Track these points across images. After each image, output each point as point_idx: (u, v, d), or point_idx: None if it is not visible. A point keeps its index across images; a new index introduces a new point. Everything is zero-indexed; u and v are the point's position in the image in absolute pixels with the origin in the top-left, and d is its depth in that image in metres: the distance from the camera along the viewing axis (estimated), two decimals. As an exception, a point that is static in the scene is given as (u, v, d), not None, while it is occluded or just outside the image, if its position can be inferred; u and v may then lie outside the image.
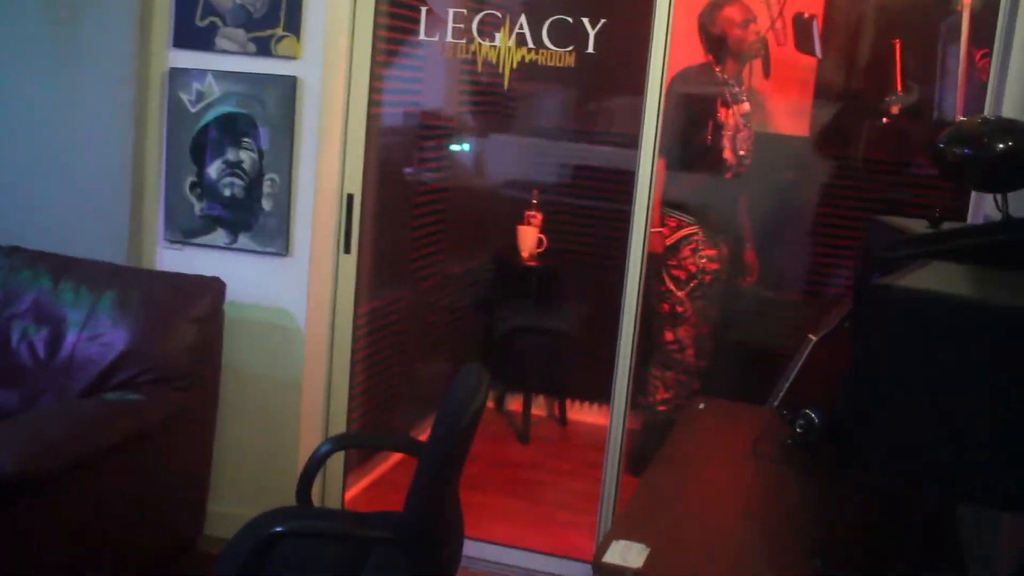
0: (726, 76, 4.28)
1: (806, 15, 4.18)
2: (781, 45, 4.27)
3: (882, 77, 4.36)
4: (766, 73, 4.29)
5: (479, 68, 3.44)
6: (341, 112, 3.49)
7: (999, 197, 2.43)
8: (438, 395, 5.08)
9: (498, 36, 3.39)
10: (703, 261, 4.37)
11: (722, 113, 4.28)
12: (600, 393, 5.21)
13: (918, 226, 2.64)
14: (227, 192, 3.47)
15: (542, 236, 4.96)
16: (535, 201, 4.97)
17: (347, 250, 3.61)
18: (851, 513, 2.34)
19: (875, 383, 1.67)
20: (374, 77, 3.55)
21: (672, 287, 4.40)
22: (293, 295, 3.48)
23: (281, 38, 3.36)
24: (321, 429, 3.64)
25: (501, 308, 5.03)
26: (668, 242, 4.37)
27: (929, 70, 4.07)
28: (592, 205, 5.04)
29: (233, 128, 3.43)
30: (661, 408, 4.55)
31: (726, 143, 4.30)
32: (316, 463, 2.81)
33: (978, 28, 3.51)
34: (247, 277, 3.46)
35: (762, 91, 4.55)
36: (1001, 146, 2.31)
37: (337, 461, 3.67)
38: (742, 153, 4.34)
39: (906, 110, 4.23)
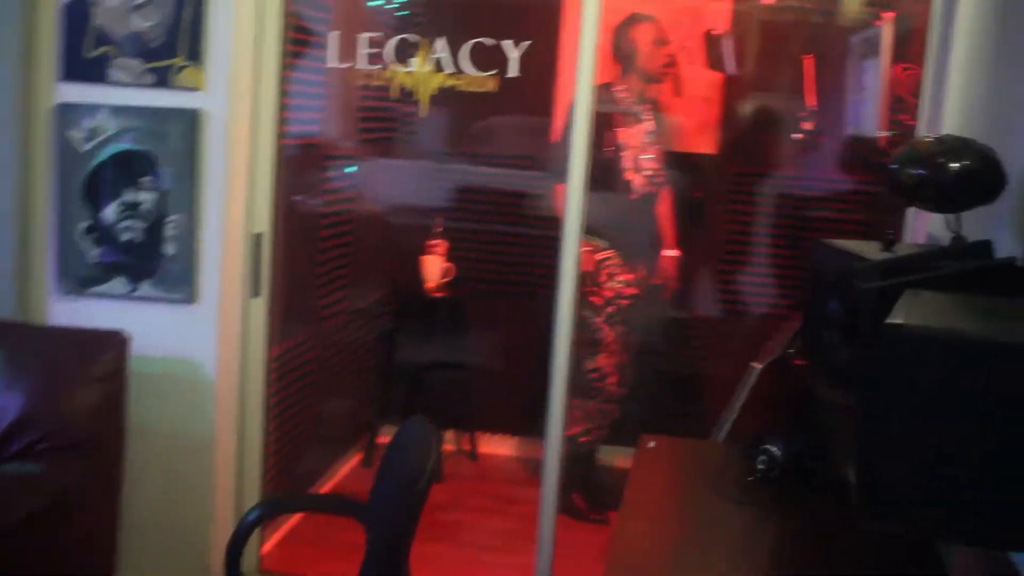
0: (626, 95, 4.18)
1: (717, 32, 4.11)
2: (692, 64, 4.19)
3: (794, 93, 4.33)
4: (677, 92, 4.21)
5: (394, 95, 3.25)
6: (247, 146, 3.26)
7: (951, 217, 2.38)
8: (347, 435, 4.92)
9: (414, 62, 3.21)
10: (620, 286, 4.25)
11: (623, 133, 4.17)
12: (510, 424, 5.07)
13: (870, 249, 2.56)
14: (126, 236, 3.20)
15: (448, 265, 4.78)
16: (439, 230, 4.78)
17: (256, 293, 3.37)
18: (835, 554, 2.24)
19: (887, 430, 1.56)
20: (281, 108, 3.32)
21: (588, 314, 4.27)
22: (201, 345, 3.22)
23: (181, 68, 3.11)
24: (234, 488, 3.38)
25: (408, 341, 4.82)
26: (585, 268, 4.24)
27: (841, 85, 4.07)
28: (497, 230, 4.89)
29: (131, 167, 3.16)
30: (583, 440, 4.41)
31: (630, 163, 4.20)
32: (245, 531, 2.58)
33: (898, 43, 3.49)
34: (151, 328, 3.18)
35: (669, 109, 4.47)
36: (956, 166, 2.25)
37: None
38: (649, 173, 4.25)
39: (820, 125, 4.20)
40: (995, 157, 2.23)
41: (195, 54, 3.10)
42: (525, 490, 4.68)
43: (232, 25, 3.11)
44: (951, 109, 2.82)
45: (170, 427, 3.25)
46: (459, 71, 3.19)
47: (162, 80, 3.13)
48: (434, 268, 4.77)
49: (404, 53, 3.21)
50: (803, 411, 2.79)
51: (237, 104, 3.18)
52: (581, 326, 4.28)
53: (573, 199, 3.19)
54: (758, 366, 3.01)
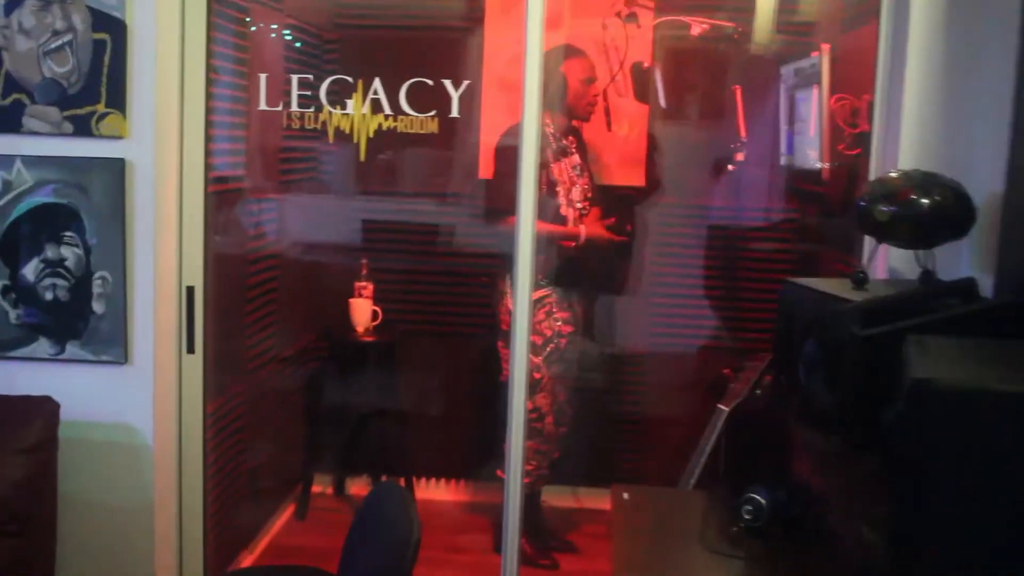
0: (551, 130, 4.12)
1: (645, 65, 4.07)
2: (622, 96, 4.14)
3: (721, 124, 4.31)
4: (608, 126, 4.16)
5: (330, 139, 3.12)
6: (175, 195, 3.09)
7: (921, 253, 2.35)
8: (280, 487, 4.72)
9: (350, 103, 3.08)
10: (558, 324, 4.17)
11: (553, 168, 4.11)
12: (449, 468, 4.94)
13: (842, 287, 2.52)
14: (48, 296, 3.00)
15: (376, 308, 4.63)
16: (364, 272, 4.64)
17: (191, 349, 3.19)
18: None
19: (925, 497, 1.48)
20: (207, 154, 3.16)
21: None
22: (136, 408, 3.04)
23: (103, 115, 2.94)
24: (176, 560, 3.19)
25: (340, 388, 4.66)
26: (520, 307, 4.15)
27: (773, 115, 4.06)
28: (428, 269, 4.77)
29: (52, 221, 2.98)
30: (525, 481, 4.30)
31: (562, 198, 4.12)
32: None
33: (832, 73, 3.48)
34: (81, 392, 2.99)
35: (593, 144, 4.41)
36: (927, 202, 2.23)
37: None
38: (580, 206, 4.18)
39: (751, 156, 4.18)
40: (964, 191, 2.21)
41: (117, 100, 2.94)
42: (470, 537, 4.56)
43: (155, 69, 2.95)
44: (907, 141, 2.80)
45: (105, 497, 3.05)
46: (397, 112, 3.07)
47: (82, 129, 2.95)
48: (362, 312, 4.62)
49: (338, 94, 3.08)
50: (784, 457, 2.73)
51: (164, 151, 3.02)
52: (520, 366, 4.21)
53: (524, 232, 3.08)
54: (725, 408, 2.94)
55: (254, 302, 4.09)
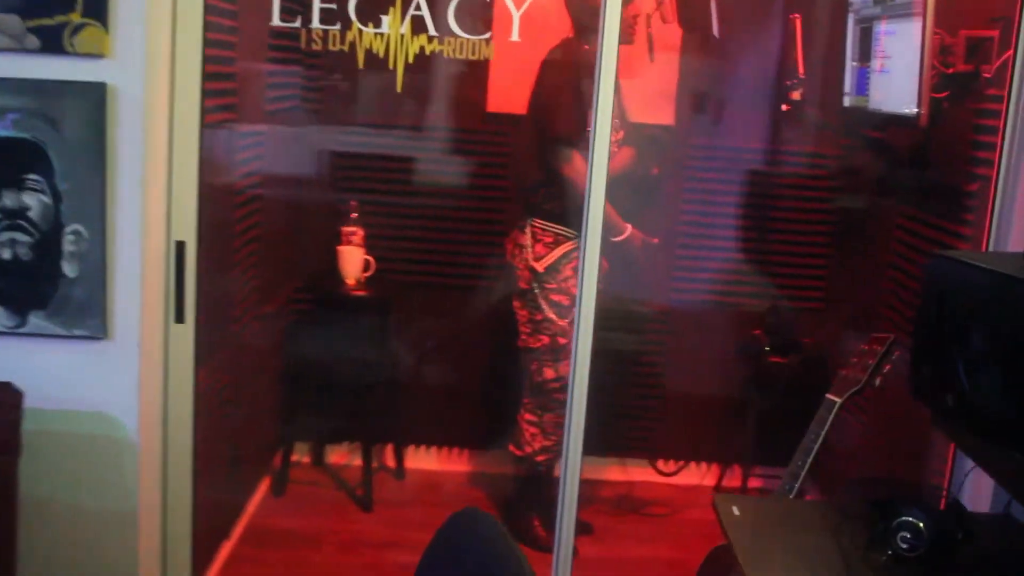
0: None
1: (696, -11, 3.52)
2: (668, 23, 3.59)
3: (772, 57, 3.80)
4: (651, 56, 3.60)
5: (359, 63, 2.53)
6: (165, 131, 2.49)
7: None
8: (260, 459, 4.14)
9: (386, 20, 2.49)
10: (587, 282, 3.64)
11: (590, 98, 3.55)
12: (439, 436, 4.44)
13: (1013, 265, 2.07)
14: (6, 254, 2.39)
15: (368, 257, 4.06)
16: (354, 216, 4.06)
17: (179, 318, 2.61)
18: None
19: None
20: (204, 79, 2.55)
21: (553, 315, 3.66)
22: (118, 393, 2.46)
23: (79, 27, 2.31)
24: (160, 569, 2.64)
25: (326, 348, 4.08)
26: (547, 262, 3.62)
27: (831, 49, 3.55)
28: (427, 213, 4.20)
29: (11, 160, 2.36)
30: (541, 458, 3.82)
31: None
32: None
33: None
34: (48, 374, 2.41)
35: (626, 75, 3.85)
36: None
37: None
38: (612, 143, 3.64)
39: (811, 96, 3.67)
40: None
41: (97, 8, 2.31)
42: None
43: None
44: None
45: (79, 500, 2.48)
46: (444, 33, 2.48)
47: (52, 44, 2.32)
48: (353, 262, 4.05)
49: (371, 9, 2.48)
50: (923, 466, 2.27)
51: (154, 76, 2.41)
52: (539, 329, 3.69)
53: (598, 174, 2.54)
54: (837, 399, 2.46)
55: (239, 252, 3.50)
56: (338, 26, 2.50)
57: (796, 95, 3.65)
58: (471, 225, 4.19)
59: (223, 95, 3.03)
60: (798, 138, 3.97)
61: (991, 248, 2.61)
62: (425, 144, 4.06)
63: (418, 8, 2.47)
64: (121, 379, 2.45)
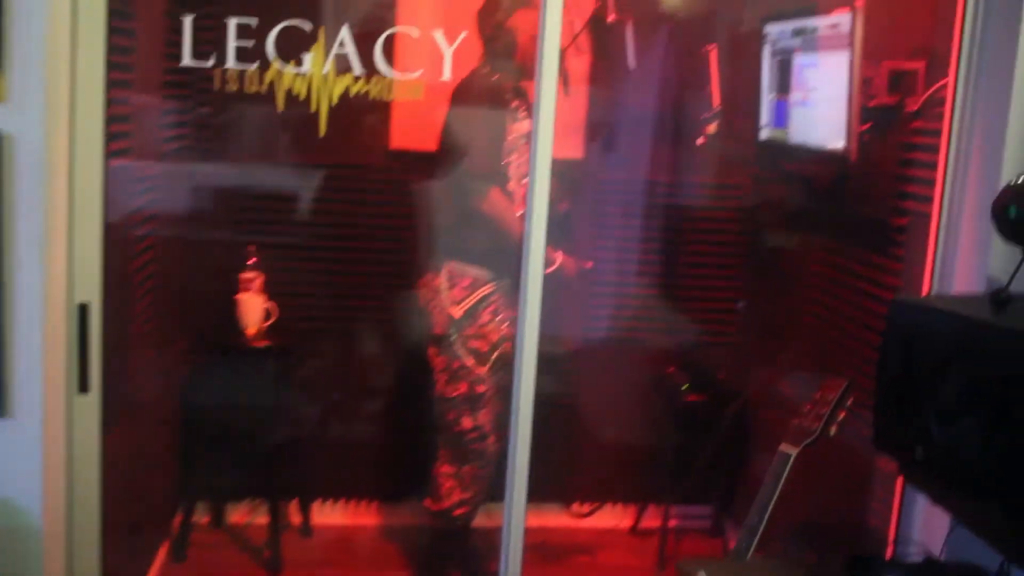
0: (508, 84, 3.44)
1: (611, 18, 3.42)
2: (581, 54, 3.49)
3: (687, 89, 3.73)
4: (566, 90, 3.48)
5: (279, 105, 2.34)
6: (65, 181, 2.26)
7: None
8: (156, 525, 3.84)
9: (308, 59, 2.31)
10: (505, 326, 3.50)
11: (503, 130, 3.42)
12: (347, 489, 4.23)
13: (976, 307, 2.02)
14: None
15: (269, 305, 3.84)
16: (253, 260, 3.83)
17: (84, 388, 2.37)
18: None
19: None
20: (108, 122, 2.33)
21: (471, 363, 3.50)
22: (20, 477, 2.21)
23: (-31, 71, 2.07)
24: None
25: (228, 400, 3.82)
26: (465, 307, 3.46)
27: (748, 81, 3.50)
28: (337, 257, 4.01)
29: None
30: (458, 512, 3.63)
31: (511, 171, 3.45)
32: None
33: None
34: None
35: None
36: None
37: None
38: (526, 181, 3.51)
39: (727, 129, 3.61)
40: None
41: (-11, 50, 2.08)
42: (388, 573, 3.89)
43: (44, 13, 2.10)
44: (1015, 132, 2.28)
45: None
46: (371, 72, 2.31)
47: (-63, 88, 2.08)
48: (253, 310, 3.82)
49: (292, 48, 2.30)
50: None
51: (55, 122, 2.18)
52: (456, 377, 3.52)
53: (538, 204, 2.40)
54: (791, 451, 2.36)
55: (139, 304, 3.25)
56: (256, 65, 2.30)
57: (711, 128, 3.58)
58: (379, 267, 4.01)
59: (120, 138, 2.79)
60: (714, 171, 3.91)
61: (935, 289, 2.56)
62: (328, 183, 3.87)
63: (342, 46, 2.30)
64: (23, 461, 2.20)
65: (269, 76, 2.31)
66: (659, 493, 4.21)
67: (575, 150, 4.05)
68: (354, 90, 2.32)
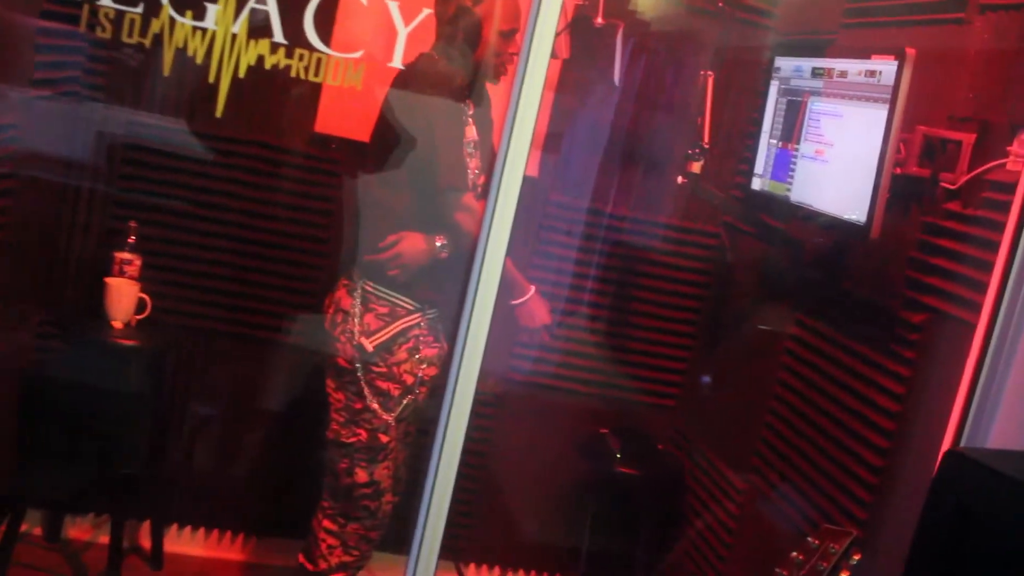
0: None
1: (600, 21, 2.85)
2: (557, 58, 2.91)
3: (674, 119, 3.18)
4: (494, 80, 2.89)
5: (165, 67, 1.71)
6: None
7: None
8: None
9: (212, 11, 1.70)
10: (423, 367, 2.92)
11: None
12: (209, 516, 3.62)
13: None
14: None
15: (144, 296, 3.21)
16: (131, 239, 3.20)
17: None
18: None
19: None
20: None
21: (376, 406, 2.90)
22: None
23: None
24: None
25: (80, 399, 3.18)
26: (379, 339, 2.87)
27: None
28: (225, 234, 3.38)
29: None
30: (337, 576, 3.03)
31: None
32: None
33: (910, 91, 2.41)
34: None
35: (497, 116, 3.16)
36: None
37: None
38: (479, 187, 2.94)
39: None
40: None
41: None
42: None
43: None
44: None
45: None
46: (295, 43, 1.70)
47: None
48: (124, 298, 3.19)
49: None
50: None
51: None
52: (356, 422, 2.92)
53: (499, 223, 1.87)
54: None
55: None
56: (140, 8, 1.68)
57: (695, 167, 3.04)
58: (284, 270, 3.40)
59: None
60: (686, 213, 3.37)
61: (969, 423, 2.04)
62: (232, 160, 3.24)
63: (263, 2, 1.69)
64: None
65: (156, 26, 1.69)
66: (569, 566, 3.68)
67: (529, 166, 3.46)
68: (270, 62, 1.71)
